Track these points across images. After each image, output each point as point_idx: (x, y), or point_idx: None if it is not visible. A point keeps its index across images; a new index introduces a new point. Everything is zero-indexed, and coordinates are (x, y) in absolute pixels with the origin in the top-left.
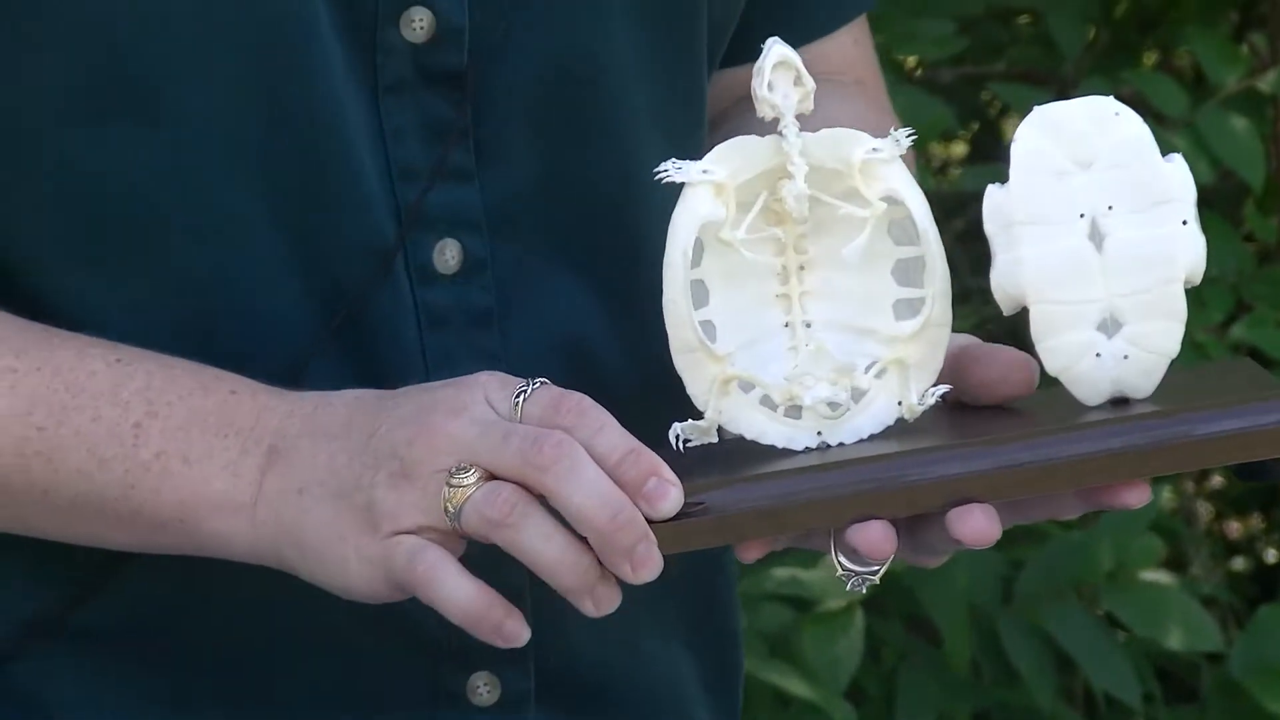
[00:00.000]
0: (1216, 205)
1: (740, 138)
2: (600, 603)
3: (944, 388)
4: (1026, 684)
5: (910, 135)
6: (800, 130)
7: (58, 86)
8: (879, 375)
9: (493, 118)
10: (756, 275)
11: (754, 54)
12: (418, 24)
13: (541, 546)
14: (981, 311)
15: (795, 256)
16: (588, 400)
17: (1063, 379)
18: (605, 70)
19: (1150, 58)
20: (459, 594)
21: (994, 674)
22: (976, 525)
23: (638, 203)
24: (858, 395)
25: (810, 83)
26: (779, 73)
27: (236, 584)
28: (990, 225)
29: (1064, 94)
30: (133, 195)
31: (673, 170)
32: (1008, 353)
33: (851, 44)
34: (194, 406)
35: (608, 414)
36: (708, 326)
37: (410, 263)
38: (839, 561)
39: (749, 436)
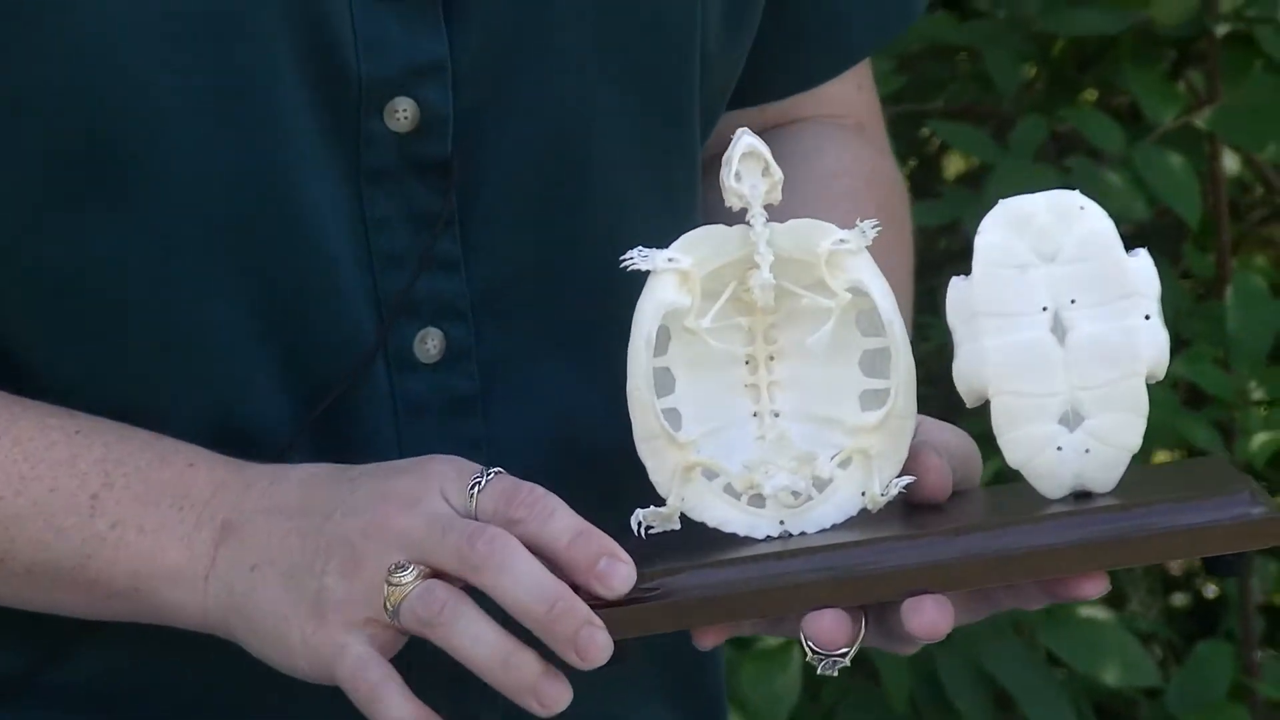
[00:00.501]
0: (1154, 242)
1: (708, 226)
2: (546, 701)
3: (908, 478)
4: None
5: (876, 228)
6: (768, 220)
7: (35, 171)
8: (843, 465)
9: (480, 205)
10: (724, 364)
11: (762, 96)
12: (402, 114)
13: (472, 646)
14: (919, 348)
15: (765, 346)
16: (540, 490)
17: (1024, 471)
18: (594, 152)
19: (1092, 95)
20: (397, 715)
21: (933, 712)
22: (927, 617)
23: (630, 280)
24: (821, 485)
25: (778, 173)
26: (747, 163)
27: (203, 655)
28: (953, 317)
29: (1002, 131)
30: (108, 286)
31: (638, 258)
32: (927, 457)
33: (855, 89)
34: (151, 479)
35: (559, 501)
36: (672, 414)
37: (389, 352)
38: (807, 645)
39: (711, 524)
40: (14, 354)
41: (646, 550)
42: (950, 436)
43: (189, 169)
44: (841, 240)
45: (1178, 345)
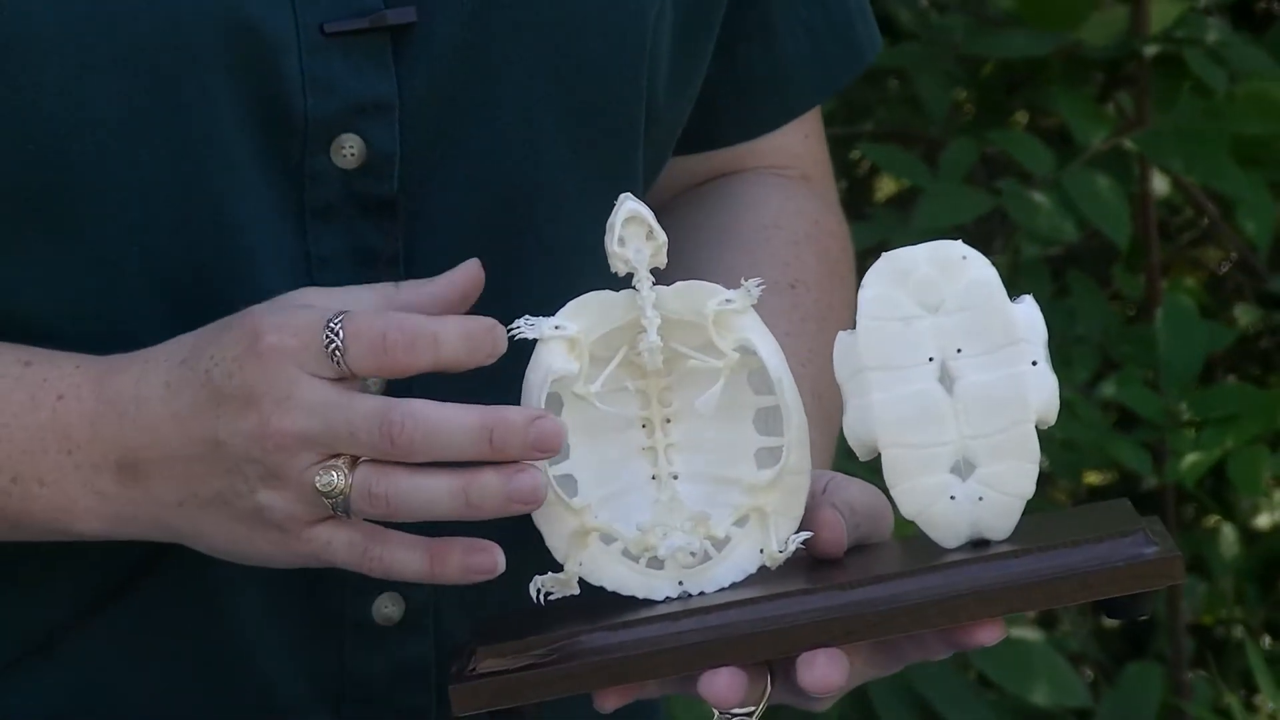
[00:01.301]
0: (1083, 263)
1: (595, 293)
2: (526, 499)
3: (805, 534)
4: None
5: (760, 285)
6: (655, 283)
7: None
8: (740, 524)
9: (425, 244)
10: (620, 428)
11: (708, 144)
12: (348, 151)
13: (431, 505)
14: None
15: (660, 409)
16: (402, 320)
17: (919, 522)
18: (540, 194)
19: (1023, 117)
20: (412, 566)
21: None
22: (819, 672)
23: None
24: (719, 544)
25: (662, 236)
26: (630, 228)
27: (140, 703)
28: (840, 372)
29: (932, 154)
30: (47, 317)
31: (524, 327)
32: (823, 512)
33: (801, 139)
34: (28, 425)
35: (423, 319)
36: (567, 480)
37: None
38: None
39: (610, 588)
40: None
41: (546, 616)
42: (855, 491)
43: (130, 204)
44: (727, 300)
45: (1108, 367)
